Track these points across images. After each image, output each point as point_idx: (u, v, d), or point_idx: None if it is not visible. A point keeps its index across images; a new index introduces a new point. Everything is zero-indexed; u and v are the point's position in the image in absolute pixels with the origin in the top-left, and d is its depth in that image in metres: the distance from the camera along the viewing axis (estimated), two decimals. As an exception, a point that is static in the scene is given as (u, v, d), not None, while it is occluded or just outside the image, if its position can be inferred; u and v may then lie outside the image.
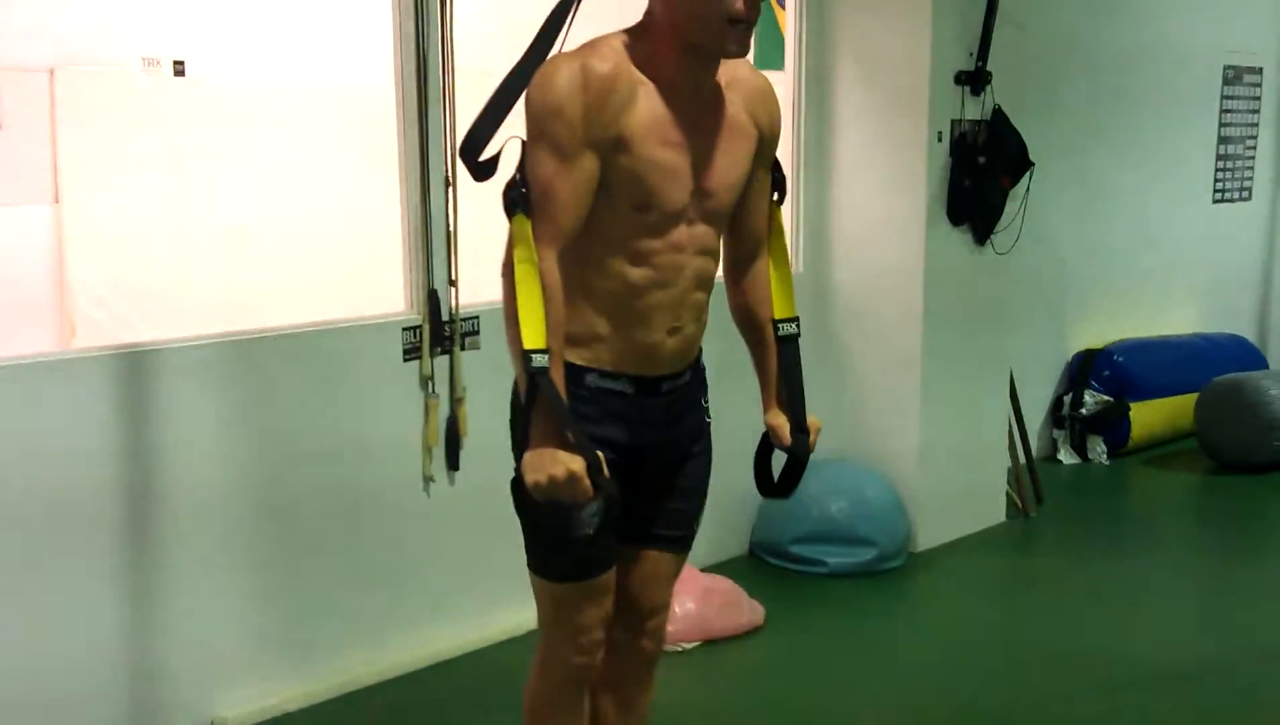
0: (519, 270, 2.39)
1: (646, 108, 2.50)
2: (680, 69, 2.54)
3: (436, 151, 4.27)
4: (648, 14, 2.56)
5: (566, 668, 2.83)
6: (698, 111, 2.58)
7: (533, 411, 2.40)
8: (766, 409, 2.87)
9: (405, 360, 4.30)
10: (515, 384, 2.61)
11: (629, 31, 2.56)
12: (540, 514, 2.52)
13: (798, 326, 2.85)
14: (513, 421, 2.68)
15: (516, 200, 2.42)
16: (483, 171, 2.51)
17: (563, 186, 2.43)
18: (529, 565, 2.78)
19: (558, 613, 2.78)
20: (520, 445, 2.52)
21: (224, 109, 4.49)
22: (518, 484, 2.53)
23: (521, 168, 2.45)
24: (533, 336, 2.39)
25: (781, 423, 2.84)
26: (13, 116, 4.09)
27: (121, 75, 4.27)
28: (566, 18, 2.56)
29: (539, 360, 2.39)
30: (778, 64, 5.70)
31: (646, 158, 2.50)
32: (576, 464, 2.38)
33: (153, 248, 4.42)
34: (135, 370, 3.75)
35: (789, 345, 2.84)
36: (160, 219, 4.41)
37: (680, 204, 2.58)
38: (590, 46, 2.50)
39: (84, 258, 4.30)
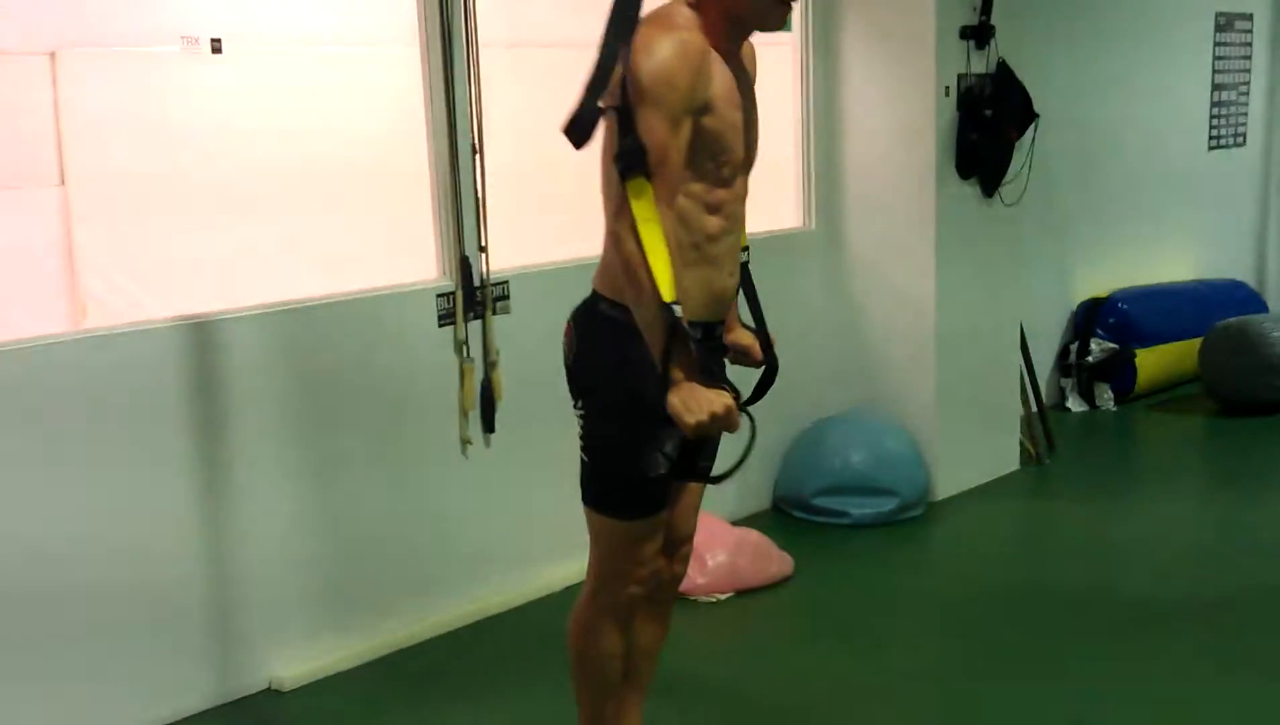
0: (644, 229, 2.53)
1: (720, 74, 2.68)
2: (726, 37, 2.73)
3: (463, 120, 4.35)
4: None
5: (622, 598, 3.01)
6: (738, 74, 2.78)
7: (675, 356, 2.54)
8: (729, 330, 3.07)
9: (440, 326, 4.39)
10: (587, 337, 2.82)
11: (684, 2, 2.72)
12: (624, 457, 2.74)
13: (748, 253, 3.01)
14: (580, 371, 2.86)
15: (634, 164, 2.53)
16: (585, 140, 2.60)
17: (675, 149, 2.59)
18: (597, 507, 2.92)
19: (628, 548, 2.94)
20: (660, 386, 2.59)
21: (248, 81, 4.54)
22: (596, 429, 2.81)
23: (625, 133, 2.55)
24: (667, 289, 2.53)
25: (751, 340, 3.07)
26: (17, 98, 4.13)
27: (128, 52, 4.31)
28: None
29: (677, 310, 2.53)
30: (785, 24, 5.76)
31: (725, 118, 2.69)
32: (729, 399, 2.54)
33: (168, 222, 4.45)
34: (174, 344, 3.84)
35: (746, 270, 3.01)
36: (175, 192, 4.44)
37: (742, 158, 2.80)
38: (669, 18, 2.66)
39: (93, 239, 4.34)
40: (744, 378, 2.93)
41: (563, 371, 2.92)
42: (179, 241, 4.44)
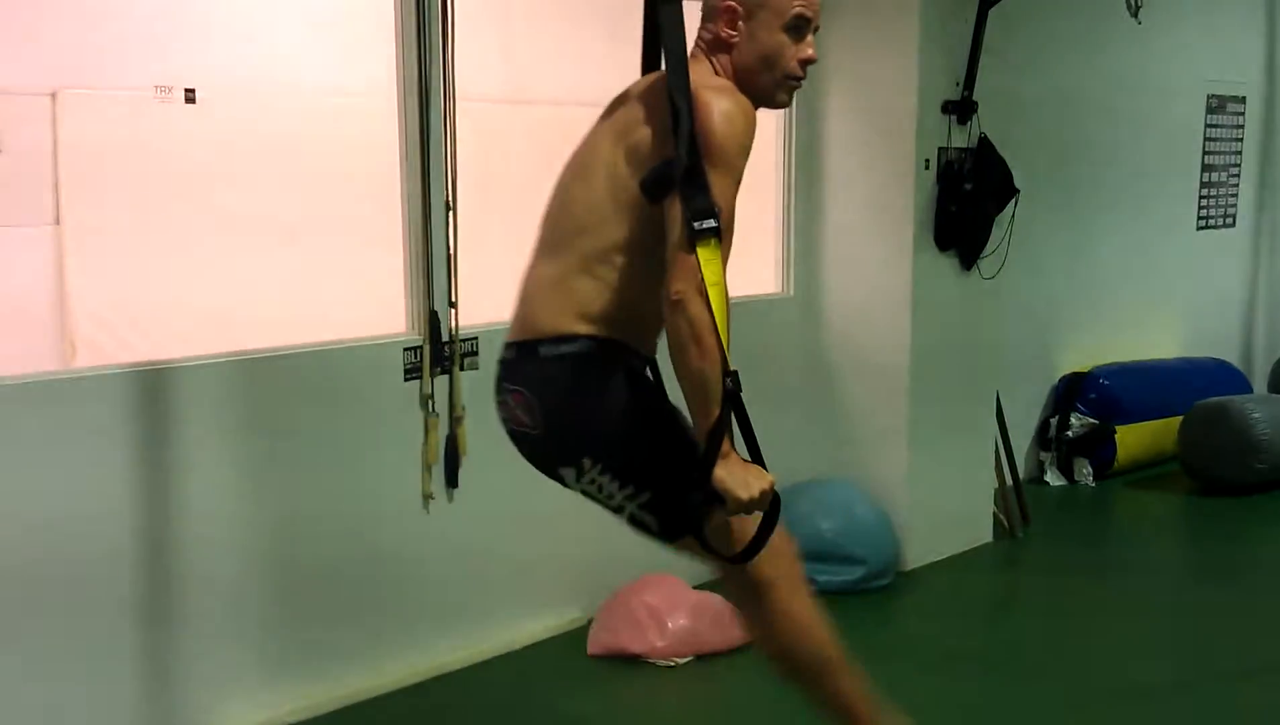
0: (714, 292, 2.51)
1: None
2: None
3: (438, 176, 4.39)
4: (717, 55, 2.77)
5: (788, 563, 2.96)
6: None
7: (722, 428, 2.52)
8: None
9: (406, 380, 4.41)
10: (562, 390, 2.70)
11: (711, 69, 2.76)
12: (677, 451, 2.70)
13: None
14: (571, 428, 2.73)
15: (712, 229, 2.51)
16: (665, 196, 2.59)
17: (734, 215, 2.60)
18: (702, 511, 2.66)
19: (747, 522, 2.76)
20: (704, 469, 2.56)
21: (228, 133, 4.58)
22: (632, 466, 2.68)
23: (695, 194, 2.53)
24: (728, 357, 2.52)
25: None
26: (14, 139, 4.17)
27: (124, 99, 4.35)
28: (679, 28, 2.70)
29: (733, 382, 2.52)
30: (790, 103, 5.82)
31: None
32: (771, 478, 2.57)
33: (154, 269, 4.48)
34: (140, 389, 3.85)
35: None
36: (162, 241, 4.47)
37: None
38: (726, 83, 2.70)
39: (85, 279, 4.37)
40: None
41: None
42: (168, 285, 4.48)
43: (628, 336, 2.74)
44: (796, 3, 2.73)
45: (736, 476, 2.54)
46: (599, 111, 2.96)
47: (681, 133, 2.54)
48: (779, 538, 2.81)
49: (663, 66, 2.73)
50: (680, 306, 2.51)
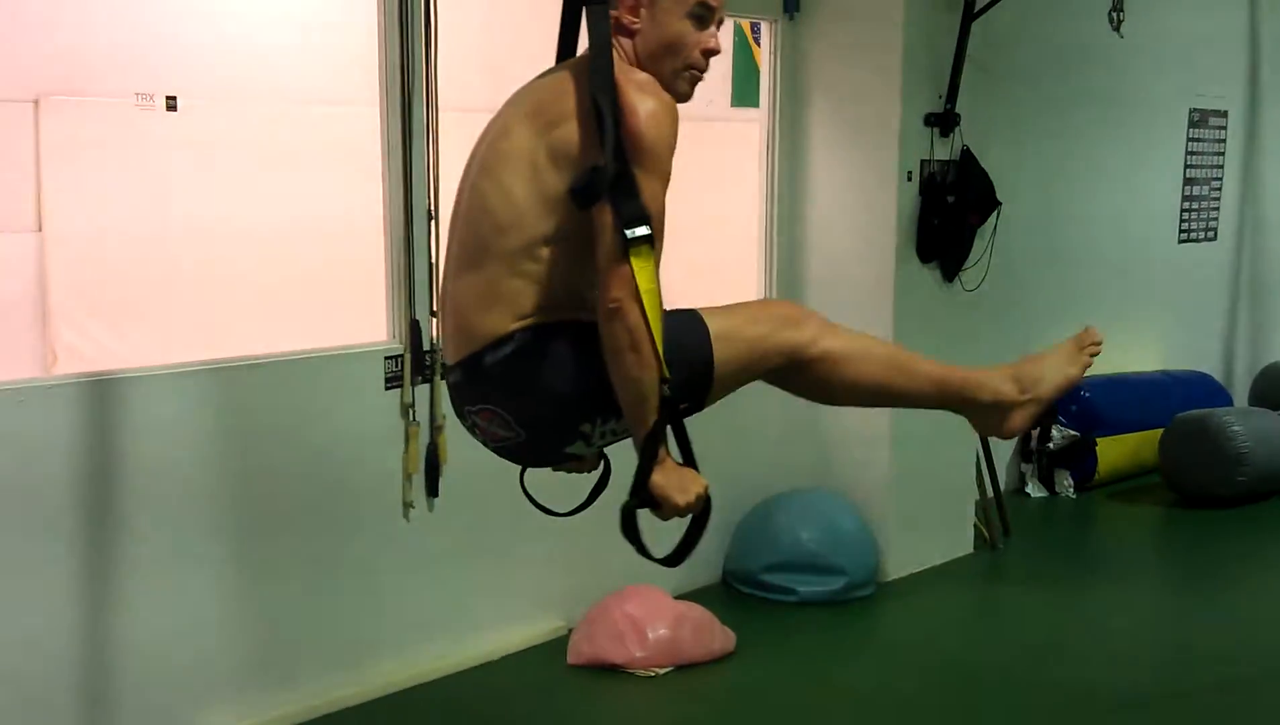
0: (649, 300, 2.44)
1: None
2: None
3: (420, 185, 4.38)
4: (619, 39, 2.64)
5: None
6: None
7: (659, 435, 2.47)
8: None
9: (386, 388, 4.41)
10: (545, 377, 2.57)
11: (623, 58, 2.64)
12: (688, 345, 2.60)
13: None
14: (558, 406, 2.60)
15: (645, 236, 2.44)
16: (594, 202, 2.48)
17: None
18: (708, 359, 2.63)
19: (732, 323, 2.70)
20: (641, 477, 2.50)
21: (209, 140, 4.58)
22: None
23: (626, 197, 2.45)
24: (663, 364, 2.46)
25: None
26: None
27: (106, 106, 4.35)
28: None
29: (669, 388, 2.47)
30: (753, 101, 5.84)
31: None
32: (705, 482, 2.51)
33: (136, 276, 4.48)
34: (119, 395, 3.84)
35: None
36: (143, 247, 4.47)
37: None
38: (649, 79, 2.58)
39: (67, 286, 4.37)
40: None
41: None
42: (149, 292, 4.48)
43: (568, 314, 2.62)
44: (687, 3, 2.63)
45: (673, 482, 2.48)
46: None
47: (608, 138, 2.46)
48: (787, 308, 2.84)
49: (577, 56, 2.67)
50: (617, 315, 2.44)
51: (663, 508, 2.49)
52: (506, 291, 2.55)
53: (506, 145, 2.59)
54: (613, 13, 2.62)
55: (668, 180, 2.51)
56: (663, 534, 2.51)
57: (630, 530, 2.51)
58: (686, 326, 2.63)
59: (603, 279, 2.45)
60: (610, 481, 2.75)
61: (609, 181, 2.43)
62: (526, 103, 2.64)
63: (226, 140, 4.63)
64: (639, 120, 2.48)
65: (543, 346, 2.57)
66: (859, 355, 2.80)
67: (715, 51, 2.69)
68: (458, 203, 2.70)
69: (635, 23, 2.64)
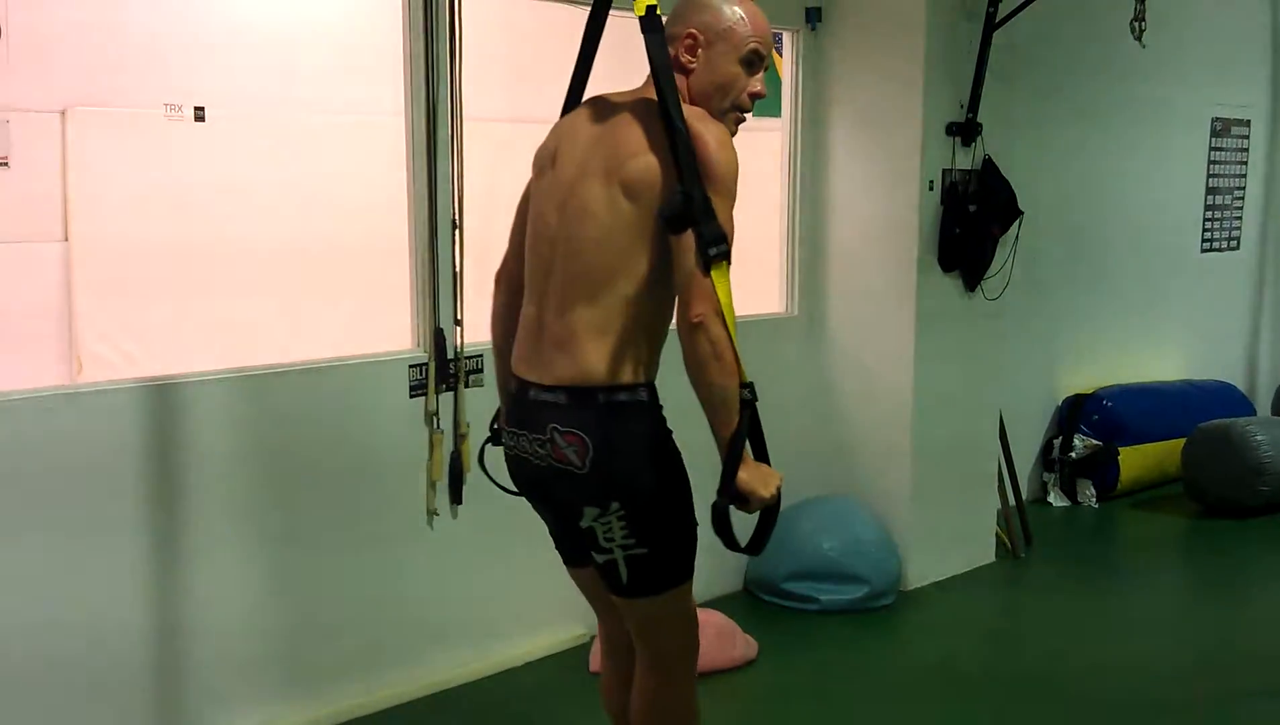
0: (729, 315, 2.68)
1: None
2: None
3: (444, 195, 4.42)
4: (682, 82, 2.88)
5: (694, 663, 3.16)
6: None
7: (743, 436, 2.70)
8: None
9: (411, 396, 4.44)
10: (612, 434, 2.81)
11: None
12: (685, 520, 2.91)
13: None
14: (611, 471, 2.82)
15: (724, 253, 2.68)
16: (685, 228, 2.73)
17: None
18: (672, 582, 2.95)
19: (690, 607, 3.08)
20: (727, 478, 2.72)
21: (236, 150, 4.62)
22: (648, 519, 2.84)
23: (706, 220, 2.68)
24: (743, 371, 2.71)
25: None
26: (24, 156, 4.20)
27: (134, 117, 4.39)
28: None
29: (750, 392, 2.72)
30: (774, 111, 5.86)
31: None
32: (780, 475, 2.78)
33: (161, 285, 4.51)
34: (147, 403, 3.88)
35: None
36: (169, 256, 4.51)
37: None
38: (703, 112, 2.85)
39: (93, 295, 4.40)
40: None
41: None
42: (174, 301, 4.51)
43: (653, 372, 2.90)
44: (753, 39, 2.90)
45: (756, 477, 2.71)
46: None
47: (684, 163, 2.69)
48: (697, 615, 3.12)
49: (630, 90, 2.93)
50: (702, 328, 2.66)
51: (750, 502, 2.72)
52: (620, 334, 2.80)
53: (582, 190, 2.82)
54: (670, 50, 2.86)
55: (734, 202, 2.77)
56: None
57: (724, 527, 2.73)
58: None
59: (685, 295, 2.70)
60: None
61: (701, 206, 2.68)
62: (594, 140, 2.86)
63: (254, 150, 4.66)
64: (710, 148, 2.74)
65: (646, 416, 2.86)
66: (683, 711, 3.17)
67: (761, 96, 2.97)
68: (544, 248, 2.91)
69: (692, 62, 2.90)
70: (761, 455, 2.82)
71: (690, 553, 2.96)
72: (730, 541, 2.76)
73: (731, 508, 2.72)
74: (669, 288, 2.78)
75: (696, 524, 2.91)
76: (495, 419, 3.26)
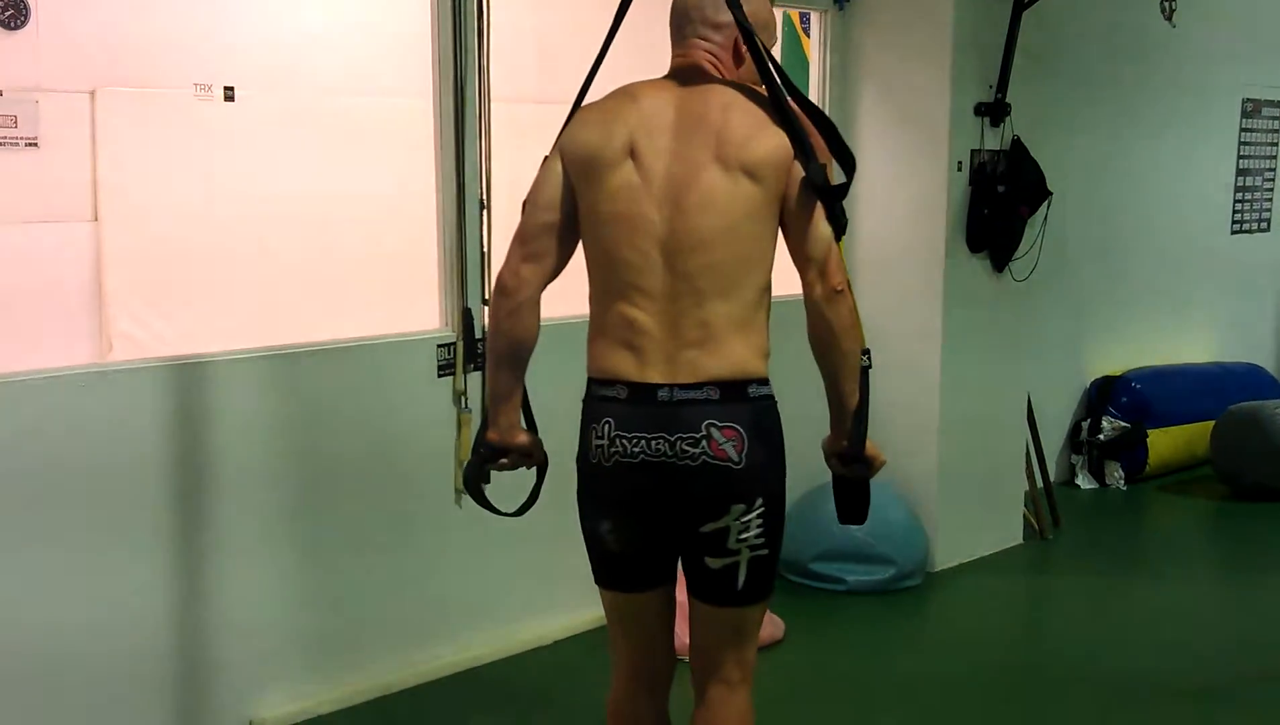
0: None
1: None
2: None
3: (472, 174, 4.42)
4: (734, 67, 2.88)
5: None
6: None
7: (868, 402, 2.80)
8: None
9: (439, 376, 4.45)
10: (763, 434, 2.77)
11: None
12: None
13: None
14: (760, 472, 2.78)
15: (844, 226, 2.77)
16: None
17: None
18: (767, 595, 2.95)
19: None
20: (860, 445, 2.82)
21: (266, 130, 4.63)
22: (775, 522, 2.84)
23: (837, 197, 2.75)
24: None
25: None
26: (54, 136, 4.22)
27: (163, 97, 4.40)
28: None
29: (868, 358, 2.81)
30: (802, 90, 5.83)
31: None
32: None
33: (190, 265, 4.53)
34: (176, 382, 3.90)
35: None
36: (198, 236, 4.52)
37: None
38: None
39: (122, 274, 4.41)
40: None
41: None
42: (203, 281, 4.53)
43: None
44: (774, 37, 2.96)
45: (872, 444, 2.82)
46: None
47: (803, 141, 2.71)
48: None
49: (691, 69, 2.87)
50: (843, 296, 2.71)
51: (873, 466, 2.84)
52: (755, 327, 2.79)
53: (697, 181, 2.72)
54: (720, 41, 2.85)
55: None
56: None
57: (866, 498, 2.92)
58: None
59: (825, 265, 2.72)
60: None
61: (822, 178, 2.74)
62: (689, 128, 2.76)
63: (283, 131, 4.67)
64: (810, 126, 2.77)
65: (776, 412, 2.82)
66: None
67: None
68: (635, 231, 2.75)
69: (745, 54, 2.86)
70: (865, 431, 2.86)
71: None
72: (862, 513, 2.94)
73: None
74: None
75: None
76: (480, 440, 3.01)
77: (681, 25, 2.88)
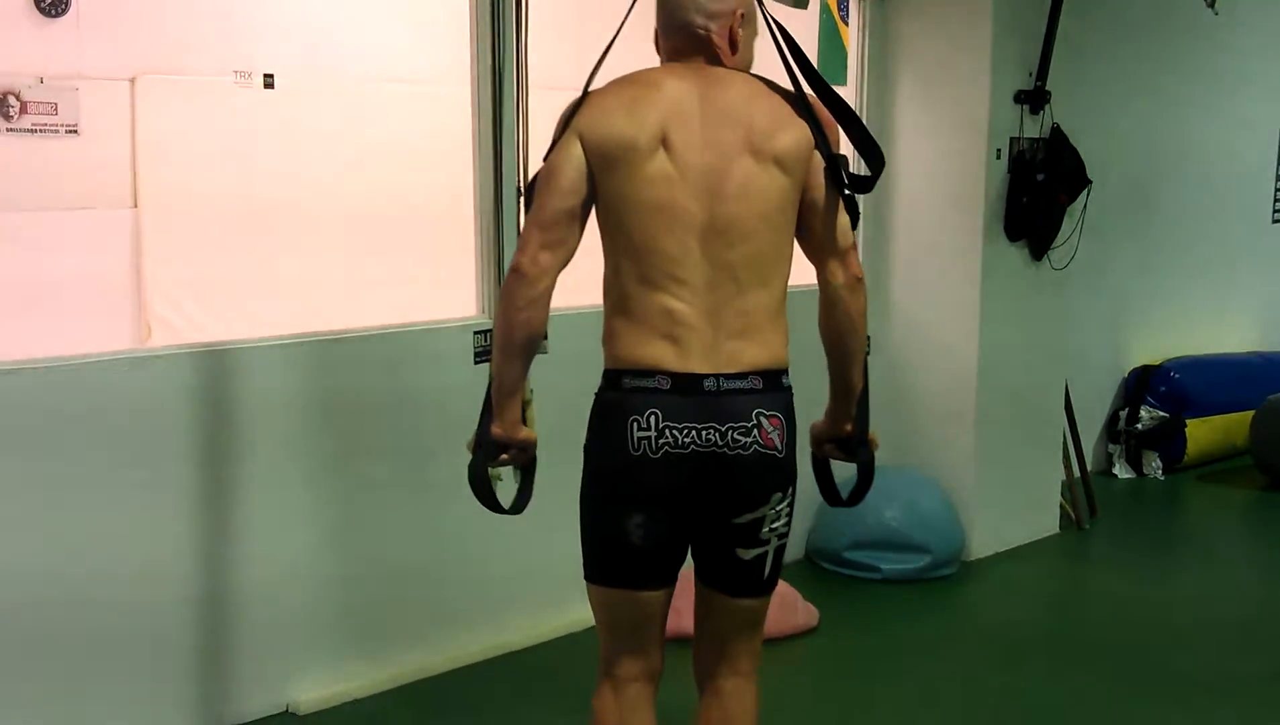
0: None
1: None
2: None
3: (509, 162, 4.43)
4: (731, 54, 2.84)
5: None
6: None
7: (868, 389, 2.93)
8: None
9: (476, 362, 4.46)
10: (790, 422, 2.78)
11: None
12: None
13: None
14: (790, 460, 2.78)
15: (859, 216, 2.84)
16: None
17: None
18: (773, 586, 2.92)
19: None
20: (865, 430, 2.93)
21: (305, 118, 4.64)
22: (791, 512, 2.85)
23: (866, 188, 2.82)
24: None
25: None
26: (93, 123, 4.24)
27: (203, 84, 4.42)
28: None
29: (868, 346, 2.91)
30: (840, 79, 5.82)
31: None
32: None
33: (229, 252, 4.55)
34: (215, 368, 3.93)
35: None
36: (236, 223, 4.54)
37: None
38: None
39: (161, 261, 4.44)
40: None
41: None
42: (242, 267, 4.55)
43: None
44: (755, 30, 2.94)
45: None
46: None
47: (824, 133, 2.75)
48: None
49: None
50: (861, 284, 2.79)
51: (873, 449, 2.93)
52: (783, 319, 2.80)
53: (731, 173, 2.71)
54: (716, 28, 2.82)
55: None
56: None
57: (869, 481, 2.93)
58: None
59: (846, 255, 2.78)
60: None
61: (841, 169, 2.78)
62: (718, 118, 2.73)
63: (322, 118, 4.69)
64: (829, 117, 2.81)
65: (789, 403, 2.81)
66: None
67: None
68: (674, 220, 2.70)
69: (740, 41, 2.86)
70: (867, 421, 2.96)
71: None
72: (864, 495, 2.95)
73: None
74: None
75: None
76: (482, 435, 3.00)
77: (675, 13, 2.83)
